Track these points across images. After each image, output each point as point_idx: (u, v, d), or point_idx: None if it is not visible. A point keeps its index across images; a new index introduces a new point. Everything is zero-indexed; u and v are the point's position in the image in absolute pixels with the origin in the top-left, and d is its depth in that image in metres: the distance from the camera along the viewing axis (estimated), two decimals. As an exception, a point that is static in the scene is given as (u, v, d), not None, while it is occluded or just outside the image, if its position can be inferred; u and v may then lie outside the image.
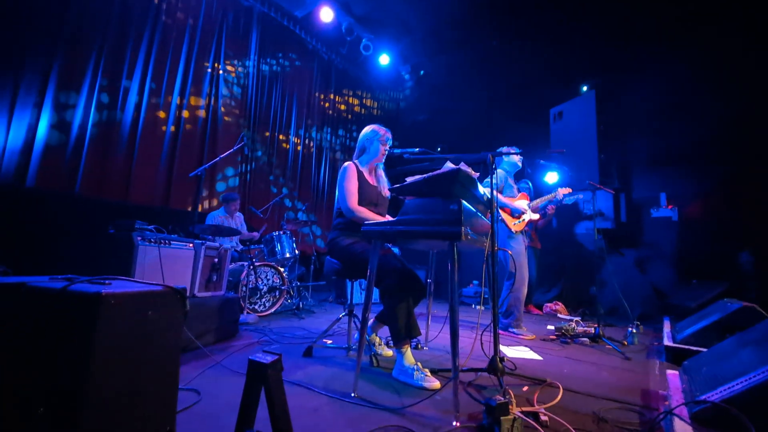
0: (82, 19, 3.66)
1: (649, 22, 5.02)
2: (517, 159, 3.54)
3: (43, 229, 3.20)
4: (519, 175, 3.73)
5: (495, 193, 3.29)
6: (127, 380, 1.06)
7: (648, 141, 5.34)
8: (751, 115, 4.52)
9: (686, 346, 2.53)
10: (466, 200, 1.70)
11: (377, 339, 2.43)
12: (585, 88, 5.61)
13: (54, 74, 3.45)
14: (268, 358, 0.80)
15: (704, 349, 2.19)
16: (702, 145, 4.86)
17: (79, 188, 3.58)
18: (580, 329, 3.24)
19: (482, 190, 1.94)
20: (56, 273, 1.28)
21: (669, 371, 2.11)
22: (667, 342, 2.73)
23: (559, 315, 4.66)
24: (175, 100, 4.43)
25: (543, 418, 1.47)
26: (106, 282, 1.16)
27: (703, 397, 1.43)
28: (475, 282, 5.75)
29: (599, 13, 5.22)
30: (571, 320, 3.62)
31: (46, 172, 3.38)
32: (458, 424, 1.42)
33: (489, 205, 1.98)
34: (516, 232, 3.38)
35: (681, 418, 1.41)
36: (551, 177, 5.35)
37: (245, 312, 3.23)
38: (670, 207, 5.13)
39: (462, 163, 1.67)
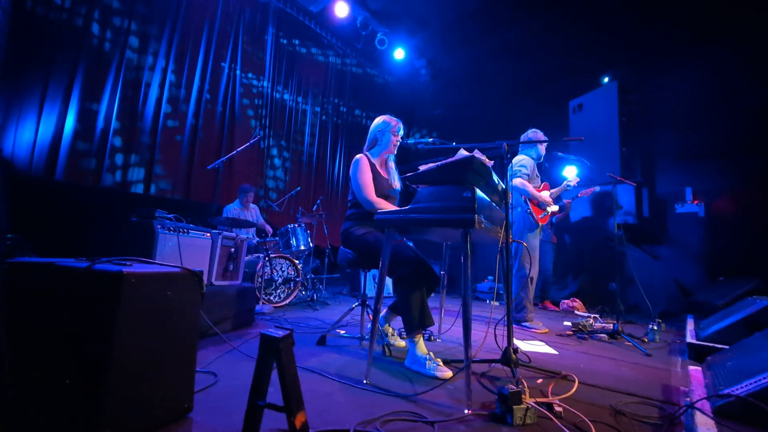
0: (107, 18, 3.79)
1: (674, 12, 4.83)
2: (542, 149, 3.49)
3: (71, 218, 3.35)
4: (537, 169, 3.67)
5: (525, 182, 3.27)
6: (148, 356, 1.10)
7: (673, 134, 5.15)
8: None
9: (710, 344, 2.44)
10: (480, 189, 1.68)
11: (390, 329, 2.43)
12: (606, 80, 5.44)
13: (80, 73, 3.58)
14: (280, 333, 0.81)
15: (728, 347, 2.11)
16: (731, 138, 4.66)
17: (104, 181, 3.71)
18: (598, 325, 3.17)
19: (496, 179, 1.91)
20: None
21: (691, 367, 2.04)
22: (690, 339, 2.64)
23: (576, 312, 4.56)
24: (194, 95, 4.53)
25: (557, 408, 1.44)
26: (127, 263, 1.20)
27: (727, 391, 1.38)
28: (490, 278, 5.70)
29: (620, 4, 5.06)
30: (589, 317, 3.54)
31: (73, 166, 3.52)
32: (470, 411, 1.41)
33: (504, 195, 1.95)
34: (541, 224, 3.35)
35: (703, 412, 1.36)
36: (569, 171, 5.22)
37: (261, 302, 3.29)
38: (695, 202, 4.94)
39: (476, 151, 1.65)
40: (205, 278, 2.47)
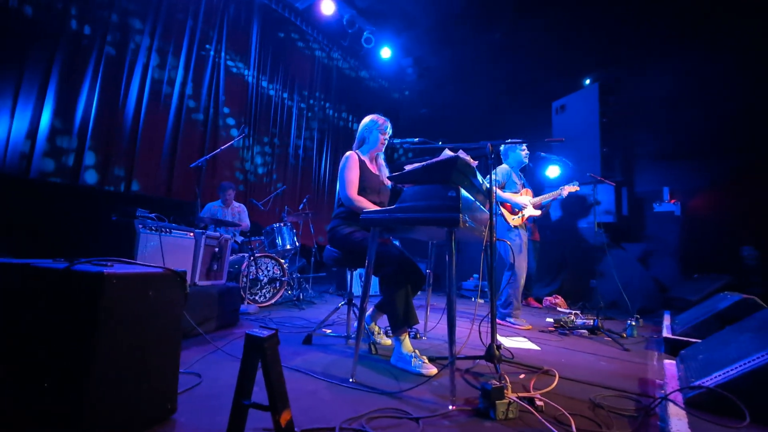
0: (85, 11, 3.68)
1: (654, 16, 4.97)
2: (523, 155, 3.52)
3: (47, 218, 3.24)
4: (521, 172, 3.72)
5: (495, 188, 3.32)
6: (130, 357, 1.09)
7: (651, 135, 5.32)
8: (755, 109, 4.49)
9: (684, 338, 2.54)
10: (464, 189, 1.70)
11: (376, 328, 2.45)
12: (588, 81, 5.57)
13: (56, 66, 3.47)
14: (265, 333, 0.82)
15: (701, 341, 2.20)
16: (706, 139, 4.84)
17: (82, 180, 3.61)
18: (578, 321, 3.25)
19: (480, 179, 1.95)
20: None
21: (666, 361, 2.12)
22: (666, 334, 2.74)
23: (558, 308, 4.67)
24: (177, 91, 4.44)
25: (538, 403, 1.48)
26: (108, 263, 1.18)
27: (698, 382, 1.44)
28: (475, 275, 5.77)
29: (603, 7, 5.18)
30: (571, 313, 3.63)
31: (48, 163, 3.42)
32: (454, 407, 1.44)
33: (488, 195, 1.98)
34: (514, 226, 3.39)
35: (675, 404, 1.42)
36: (552, 171, 5.33)
37: (246, 302, 3.26)
38: (672, 201, 5.11)
39: (460, 151, 1.67)
40: (188, 278, 2.44)
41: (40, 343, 1.05)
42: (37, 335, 1.05)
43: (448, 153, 1.73)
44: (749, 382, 1.29)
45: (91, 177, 3.69)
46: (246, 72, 5.34)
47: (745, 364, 1.32)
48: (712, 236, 4.74)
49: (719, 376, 1.37)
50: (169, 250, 2.25)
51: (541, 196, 3.52)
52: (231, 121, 5.12)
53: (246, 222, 4.40)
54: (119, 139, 3.91)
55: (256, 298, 3.58)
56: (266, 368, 0.79)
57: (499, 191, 3.36)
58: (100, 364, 1.01)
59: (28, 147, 3.31)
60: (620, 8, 5.09)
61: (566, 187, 3.49)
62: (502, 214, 3.38)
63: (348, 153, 2.30)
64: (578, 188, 3.50)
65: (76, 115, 3.60)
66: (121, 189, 3.92)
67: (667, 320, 3.41)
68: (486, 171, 1.96)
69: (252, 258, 3.42)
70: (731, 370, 1.35)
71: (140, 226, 2.14)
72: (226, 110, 5.03)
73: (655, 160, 5.30)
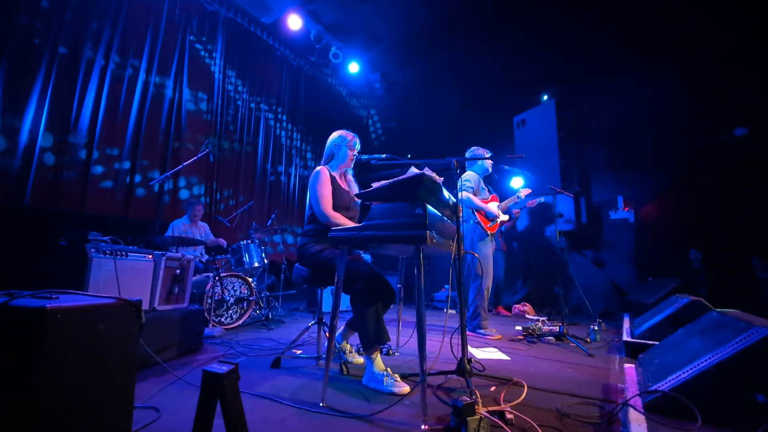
0: (34, 21, 3.47)
1: (605, 37, 5.34)
2: (488, 164, 3.66)
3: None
4: (486, 181, 3.84)
5: (470, 195, 3.41)
6: (77, 396, 1.01)
7: (605, 147, 5.66)
8: (694, 124, 4.91)
9: (642, 341, 2.67)
10: (431, 204, 1.73)
11: (348, 346, 2.41)
12: (545, 97, 5.87)
13: (0, 77, 3.23)
14: (224, 368, 0.78)
15: (658, 343, 2.32)
16: (652, 151, 5.21)
17: (29, 199, 3.35)
18: (545, 329, 3.35)
19: (447, 194, 1.98)
20: (2, 290, 1.20)
21: (626, 365, 2.22)
22: (626, 338, 2.87)
23: (527, 316, 4.80)
24: (136, 102, 4.25)
25: (508, 416, 1.50)
26: (53, 296, 1.09)
27: (654, 387, 1.51)
28: (447, 286, 5.84)
29: (560, 28, 5.51)
30: (538, 320, 3.73)
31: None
32: (426, 427, 1.43)
33: (455, 209, 2.02)
34: (491, 233, 3.48)
35: (636, 409, 1.48)
36: (516, 182, 5.53)
37: (211, 325, 3.12)
38: (626, 209, 5.43)
39: (426, 168, 1.70)
40: (146, 304, 2.31)
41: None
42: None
43: (414, 170, 1.76)
44: (698, 384, 1.37)
45: (38, 195, 3.42)
46: (210, 88, 5.20)
47: (694, 367, 1.41)
48: (663, 241, 5.07)
49: (673, 379, 1.45)
50: (125, 274, 2.11)
51: (505, 201, 3.68)
52: (196, 135, 4.94)
53: (212, 238, 4.24)
54: (72, 153, 3.67)
55: (222, 319, 3.43)
56: (226, 408, 0.75)
57: (473, 197, 3.44)
58: (41, 406, 0.92)
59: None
60: (575, 29, 5.43)
61: (522, 190, 3.71)
62: (478, 222, 3.45)
63: (318, 168, 2.27)
64: (531, 191, 3.75)
65: (23, 129, 3.35)
66: (74, 209, 3.66)
67: (626, 323, 3.58)
68: (452, 185, 2.01)
69: (217, 278, 3.29)
70: (683, 373, 1.44)
71: (93, 250, 2.00)
72: (189, 123, 4.86)
73: (609, 171, 5.64)
